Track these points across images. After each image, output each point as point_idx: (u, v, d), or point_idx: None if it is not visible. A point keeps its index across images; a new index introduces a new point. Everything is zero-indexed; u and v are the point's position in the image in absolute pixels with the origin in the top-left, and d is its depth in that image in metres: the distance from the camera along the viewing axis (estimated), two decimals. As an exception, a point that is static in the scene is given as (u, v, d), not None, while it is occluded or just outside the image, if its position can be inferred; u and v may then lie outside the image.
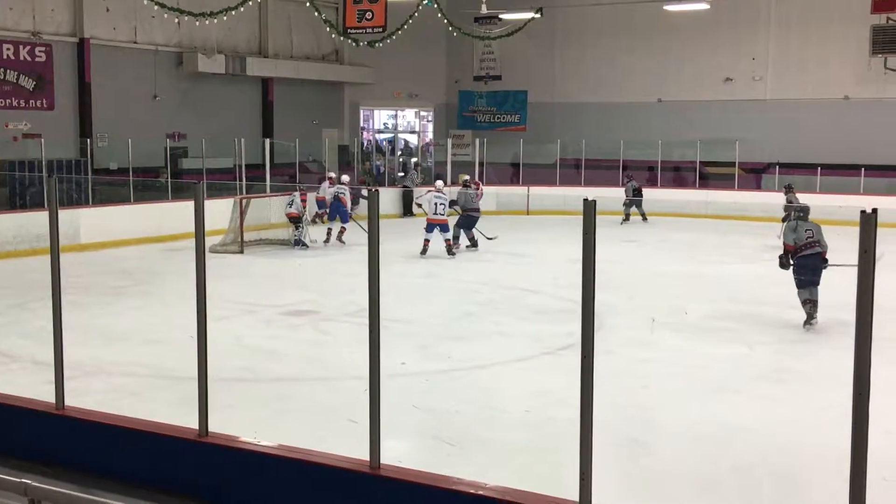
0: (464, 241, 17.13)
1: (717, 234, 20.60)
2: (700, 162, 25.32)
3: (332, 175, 20.34)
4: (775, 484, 6.26)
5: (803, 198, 21.87)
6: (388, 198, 22.76)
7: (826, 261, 10.51)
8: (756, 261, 15.95)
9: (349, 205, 18.40)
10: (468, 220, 17.07)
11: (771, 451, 6.76)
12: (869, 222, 3.33)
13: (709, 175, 25.65)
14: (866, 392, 3.43)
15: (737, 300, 12.41)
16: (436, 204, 16.54)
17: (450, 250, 16.60)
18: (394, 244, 17.06)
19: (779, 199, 22.40)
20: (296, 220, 17.67)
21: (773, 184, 24.08)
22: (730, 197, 23.75)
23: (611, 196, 21.66)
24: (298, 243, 17.54)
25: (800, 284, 10.59)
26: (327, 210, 19.13)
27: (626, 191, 22.61)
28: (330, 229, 18.18)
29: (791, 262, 10.66)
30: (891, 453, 6.46)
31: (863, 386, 3.41)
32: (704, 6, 22.95)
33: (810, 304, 10.50)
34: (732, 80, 26.58)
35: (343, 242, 17.96)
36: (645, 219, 22.39)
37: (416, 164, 27.38)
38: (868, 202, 17.64)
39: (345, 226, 18.15)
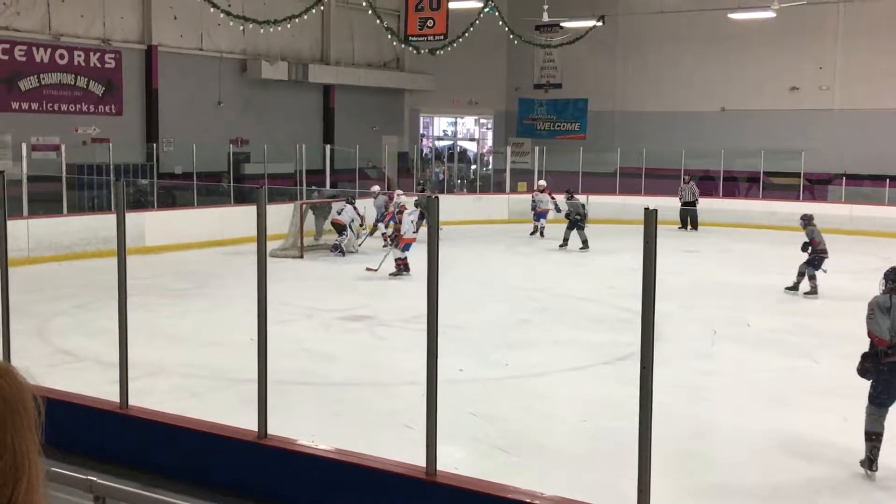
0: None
1: (779, 245, 20.22)
2: (763, 172, 24.89)
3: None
4: (837, 497, 6.14)
5: (868, 210, 21.48)
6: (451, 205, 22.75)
7: None
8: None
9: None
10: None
11: (832, 463, 6.64)
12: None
13: (772, 185, 25.20)
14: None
15: (797, 312, 12.20)
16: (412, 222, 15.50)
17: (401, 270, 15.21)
18: (453, 250, 17.05)
19: (842, 210, 22.01)
20: (340, 228, 17.79)
21: (840, 195, 23.59)
22: (793, 208, 23.30)
23: (670, 206, 21.39)
24: (336, 248, 17.66)
25: (880, 402, 6.47)
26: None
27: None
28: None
29: (879, 366, 6.40)
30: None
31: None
32: (770, 14, 22.55)
33: (877, 441, 6.42)
34: (798, 89, 26.12)
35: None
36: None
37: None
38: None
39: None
